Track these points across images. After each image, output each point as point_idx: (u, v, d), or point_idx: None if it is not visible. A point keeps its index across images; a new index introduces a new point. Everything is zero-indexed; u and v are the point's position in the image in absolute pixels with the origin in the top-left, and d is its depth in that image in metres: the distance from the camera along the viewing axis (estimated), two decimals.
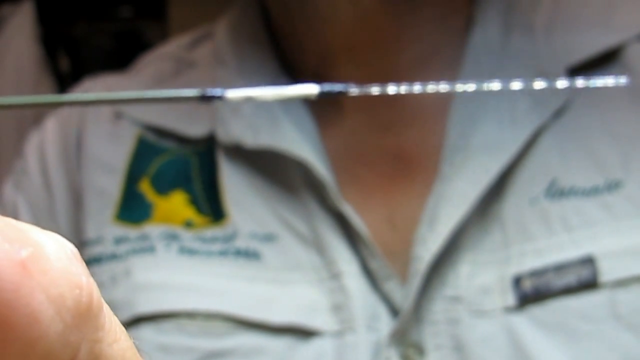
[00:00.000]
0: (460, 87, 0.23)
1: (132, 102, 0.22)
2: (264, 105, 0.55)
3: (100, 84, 0.61)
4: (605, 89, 0.53)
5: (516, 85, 0.24)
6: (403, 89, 0.23)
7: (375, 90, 0.23)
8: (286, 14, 0.56)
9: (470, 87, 0.23)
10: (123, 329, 0.22)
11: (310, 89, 0.22)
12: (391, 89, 0.23)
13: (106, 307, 0.21)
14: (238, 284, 0.52)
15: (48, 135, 0.60)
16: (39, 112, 1.98)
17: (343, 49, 0.54)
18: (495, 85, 0.24)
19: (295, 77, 0.57)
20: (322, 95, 0.22)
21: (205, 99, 0.22)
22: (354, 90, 0.23)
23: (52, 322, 0.18)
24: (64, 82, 2.10)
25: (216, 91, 0.22)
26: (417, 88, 0.23)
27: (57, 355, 0.19)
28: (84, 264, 0.21)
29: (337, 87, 0.22)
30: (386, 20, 0.53)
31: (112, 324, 0.21)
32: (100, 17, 2.26)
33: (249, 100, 0.22)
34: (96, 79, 0.62)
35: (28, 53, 2.03)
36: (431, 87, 0.23)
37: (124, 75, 0.62)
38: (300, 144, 0.53)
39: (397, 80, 0.54)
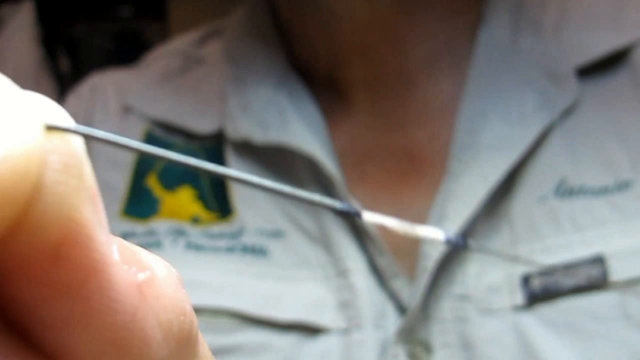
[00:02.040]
0: None
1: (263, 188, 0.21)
2: (273, 102, 0.55)
3: (108, 80, 0.61)
4: (614, 90, 0.53)
5: None
6: None
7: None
8: (296, 13, 0.56)
9: None
10: (211, 355, 0.22)
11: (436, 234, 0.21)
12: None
13: (200, 335, 0.21)
14: (245, 280, 0.52)
15: None
16: None
17: (354, 47, 0.54)
18: None
19: (304, 76, 0.56)
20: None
21: (342, 214, 0.21)
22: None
23: (159, 348, 0.18)
24: (64, 82, 2.09)
25: (349, 207, 0.21)
26: None
27: None
28: (184, 289, 0.21)
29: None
30: (398, 19, 0.53)
31: (205, 351, 0.21)
32: (100, 17, 2.26)
33: (385, 225, 0.22)
34: (103, 75, 0.62)
35: (28, 53, 2.03)
36: None
37: (132, 71, 0.62)
38: (310, 140, 0.53)
39: (407, 78, 0.54)
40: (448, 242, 0.21)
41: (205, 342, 0.21)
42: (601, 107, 0.52)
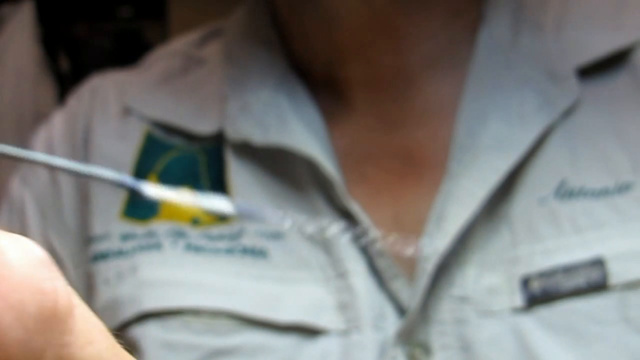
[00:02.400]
0: None
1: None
2: (272, 103, 0.55)
3: (108, 81, 0.61)
4: (614, 91, 0.53)
5: None
6: None
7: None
8: (295, 13, 0.56)
9: None
10: (103, 328, 0.22)
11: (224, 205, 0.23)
12: None
13: (81, 310, 0.21)
14: (244, 282, 0.52)
15: (56, 131, 0.60)
16: (39, 111, 1.98)
17: (353, 47, 0.54)
18: None
19: (304, 77, 0.56)
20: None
21: (121, 186, 0.22)
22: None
23: (11, 329, 0.19)
24: (64, 82, 2.10)
25: (133, 182, 0.22)
26: None
27: None
28: (52, 267, 0.21)
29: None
30: (397, 18, 0.53)
31: (86, 325, 0.21)
32: (100, 17, 2.26)
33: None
34: (104, 76, 0.62)
35: (28, 53, 2.03)
36: None
37: (132, 72, 0.62)
38: (309, 142, 0.53)
39: (406, 78, 0.54)
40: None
41: (92, 316, 0.21)
42: (602, 108, 0.52)
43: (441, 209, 0.51)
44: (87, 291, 0.56)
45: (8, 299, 0.19)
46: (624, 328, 0.47)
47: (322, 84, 0.56)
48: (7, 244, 0.19)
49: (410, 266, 0.51)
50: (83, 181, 0.58)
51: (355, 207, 0.52)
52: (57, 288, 0.20)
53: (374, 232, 0.51)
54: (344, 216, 0.52)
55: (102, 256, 0.55)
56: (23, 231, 0.59)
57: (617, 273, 0.48)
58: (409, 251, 0.51)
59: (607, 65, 0.53)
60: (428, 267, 0.49)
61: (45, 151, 0.60)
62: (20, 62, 2.03)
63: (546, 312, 0.48)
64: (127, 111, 0.59)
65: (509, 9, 0.55)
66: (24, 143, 0.62)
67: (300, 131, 0.53)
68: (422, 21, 0.54)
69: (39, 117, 1.93)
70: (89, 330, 0.21)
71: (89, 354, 0.21)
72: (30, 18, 2.07)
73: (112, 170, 0.58)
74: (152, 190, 0.22)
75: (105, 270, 0.54)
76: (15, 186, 0.61)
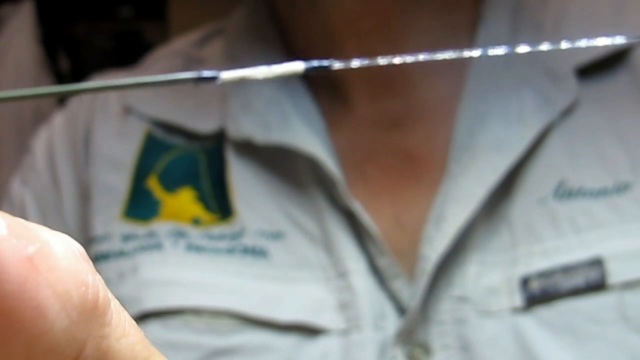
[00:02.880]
0: (451, 55, 0.24)
1: (130, 87, 0.23)
2: (274, 102, 0.55)
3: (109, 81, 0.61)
4: (613, 91, 0.53)
5: (523, 48, 0.24)
6: (397, 59, 0.24)
7: (355, 63, 0.24)
8: (292, 7, 0.56)
9: (476, 53, 0.24)
10: (134, 323, 0.23)
11: (297, 66, 0.23)
12: (382, 60, 0.24)
13: (115, 304, 0.22)
14: (245, 281, 0.52)
15: (56, 131, 0.60)
16: (39, 111, 1.98)
17: (350, 42, 0.54)
18: (500, 50, 0.24)
19: (304, 76, 0.56)
20: (309, 71, 0.23)
21: (201, 80, 0.22)
22: (338, 64, 0.24)
23: (57, 317, 0.19)
24: (64, 82, 2.10)
25: (211, 73, 0.23)
26: (409, 59, 0.24)
27: (62, 350, 0.20)
28: (90, 262, 0.21)
29: (322, 62, 0.24)
30: (394, 14, 0.53)
31: (120, 319, 0.22)
32: (100, 17, 2.26)
33: (243, 80, 0.23)
34: (104, 77, 0.62)
35: (28, 53, 2.03)
36: (424, 57, 0.24)
37: (132, 72, 0.62)
38: (311, 141, 0.53)
39: (405, 77, 0.54)
40: (312, 69, 0.22)
41: (124, 312, 0.22)
42: (601, 108, 0.53)
43: (440, 209, 0.51)
44: None
45: (56, 288, 0.19)
46: (623, 327, 0.48)
47: (322, 83, 0.56)
48: (52, 237, 0.20)
49: (410, 266, 0.51)
50: (84, 181, 0.58)
51: (357, 206, 0.52)
52: (97, 282, 0.21)
53: (376, 232, 0.51)
54: (346, 215, 0.53)
55: (103, 257, 0.55)
56: None
57: (616, 273, 0.48)
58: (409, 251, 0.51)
59: (606, 64, 0.53)
60: (427, 267, 0.50)
61: (46, 152, 0.60)
62: (20, 62, 2.03)
63: (545, 312, 0.49)
64: (127, 111, 0.59)
65: (507, 8, 0.55)
66: (24, 143, 0.63)
67: (302, 130, 0.54)
68: (419, 18, 0.54)
69: (39, 117, 1.93)
70: (124, 323, 0.22)
71: (124, 346, 0.21)
72: (30, 18, 2.07)
73: (112, 169, 0.58)
74: (228, 74, 0.23)
75: (107, 270, 0.54)
76: (16, 186, 0.61)
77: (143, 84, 0.23)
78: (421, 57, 0.24)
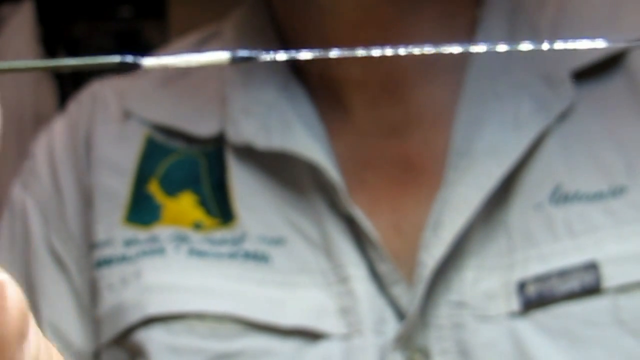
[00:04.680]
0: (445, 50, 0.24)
1: (55, 68, 0.23)
2: (274, 107, 0.55)
3: (109, 86, 0.61)
4: (609, 95, 0.53)
5: (525, 46, 0.25)
6: (361, 52, 0.24)
7: (281, 56, 0.24)
8: (292, 12, 0.56)
9: (457, 49, 0.24)
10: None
11: (222, 55, 0.24)
12: (333, 53, 0.24)
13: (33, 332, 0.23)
14: (247, 286, 0.53)
15: (57, 136, 0.61)
16: (39, 114, 1.98)
17: (346, 45, 0.54)
18: (502, 47, 0.24)
19: (303, 80, 0.57)
20: (234, 62, 0.24)
21: (123, 66, 0.23)
22: (264, 56, 0.24)
23: None
24: (64, 82, 2.10)
25: (133, 59, 0.23)
26: (389, 51, 0.24)
27: None
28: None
29: (250, 53, 0.24)
30: (389, 17, 0.53)
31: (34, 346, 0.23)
32: (100, 17, 2.26)
33: (165, 67, 0.23)
34: (104, 81, 0.62)
35: (28, 53, 2.03)
36: (403, 50, 0.24)
37: (133, 76, 0.62)
38: (312, 146, 0.53)
39: (402, 81, 0.55)
40: (237, 60, 0.23)
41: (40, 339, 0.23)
42: (597, 112, 0.53)
43: (438, 216, 0.51)
44: (92, 296, 0.56)
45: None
46: (618, 331, 0.48)
47: (321, 88, 0.56)
48: (6, 279, 0.21)
49: (409, 272, 0.51)
50: (86, 187, 0.58)
51: (357, 212, 0.52)
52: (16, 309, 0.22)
53: (376, 237, 0.52)
54: (346, 221, 0.53)
55: (106, 262, 0.55)
56: (26, 237, 0.59)
57: (611, 276, 0.49)
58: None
59: (603, 69, 0.54)
60: (425, 273, 0.50)
61: (47, 157, 0.60)
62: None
63: (542, 316, 0.49)
64: (127, 115, 0.59)
65: (504, 12, 0.56)
66: (24, 143, 0.63)
67: (303, 135, 0.54)
68: (415, 21, 0.54)
69: (39, 118, 1.94)
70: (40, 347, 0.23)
71: None
72: (30, 18, 2.07)
73: (113, 174, 0.58)
74: (150, 61, 0.23)
75: (109, 275, 0.55)
76: (17, 191, 0.61)
77: (68, 66, 0.23)
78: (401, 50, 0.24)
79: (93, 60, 0.23)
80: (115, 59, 0.23)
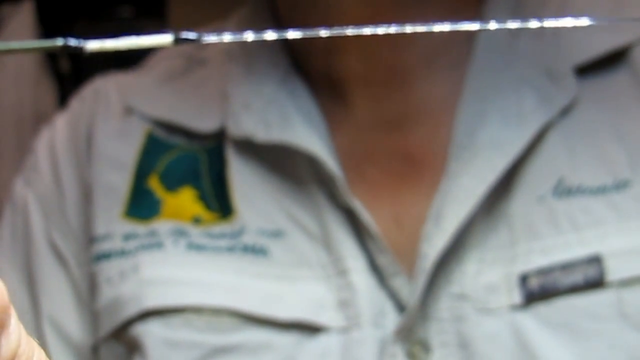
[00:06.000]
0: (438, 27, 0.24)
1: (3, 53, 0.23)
2: (274, 101, 0.55)
3: (111, 82, 0.62)
4: (613, 88, 0.53)
5: (534, 24, 0.24)
6: (351, 31, 0.24)
7: (228, 37, 0.24)
8: (294, 10, 0.56)
9: (474, 26, 0.24)
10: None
11: (165, 38, 0.23)
12: (293, 34, 0.24)
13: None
14: (245, 279, 0.52)
15: (58, 132, 0.61)
16: (39, 112, 1.98)
17: (350, 42, 0.54)
18: (511, 24, 0.24)
19: (304, 75, 0.57)
20: (176, 43, 0.23)
21: (65, 49, 0.23)
22: (207, 38, 0.24)
23: None
24: (64, 82, 2.10)
25: (76, 42, 0.23)
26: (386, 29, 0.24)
27: None
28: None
29: (190, 35, 0.24)
30: (393, 14, 0.53)
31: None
32: (100, 17, 2.26)
33: (106, 50, 0.23)
34: (106, 78, 0.62)
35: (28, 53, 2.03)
36: (410, 28, 0.24)
37: (135, 73, 0.63)
38: (312, 139, 0.53)
39: (405, 76, 0.55)
40: (179, 41, 0.23)
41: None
42: (600, 106, 0.53)
43: (440, 208, 0.51)
44: (91, 290, 0.56)
45: None
46: (621, 324, 0.48)
47: (322, 82, 0.56)
48: None
49: (410, 264, 0.51)
50: (86, 181, 0.58)
51: (357, 205, 0.52)
52: None
53: (376, 230, 0.52)
54: (346, 214, 0.53)
55: (105, 256, 0.55)
56: (27, 232, 0.59)
57: (614, 270, 0.49)
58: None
59: (606, 63, 0.53)
60: (427, 265, 0.50)
61: (48, 153, 0.60)
62: (20, 62, 2.03)
63: (544, 309, 0.49)
64: (128, 111, 0.59)
65: (507, 8, 0.56)
66: (24, 143, 0.63)
67: (303, 128, 0.54)
68: (419, 18, 0.54)
69: (39, 118, 1.94)
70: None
71: None
72: (30, 18, 2.07)
73: (114, 169, 0.59)
74: (94, 44, 0.23)
75: (108, 269, 0.55)
76: (19, 187, 0.61)
77: (12, 51, 0.23)
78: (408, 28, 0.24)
79: (38, 44, 0.23)
80: (59, 42, 0.23)
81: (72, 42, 0.23)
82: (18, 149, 1.83)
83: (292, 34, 0.24)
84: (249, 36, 0.24)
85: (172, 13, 2.17)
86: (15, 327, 0.23)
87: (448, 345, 0.49)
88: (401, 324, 0.50)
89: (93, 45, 0.23)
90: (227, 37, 0.24)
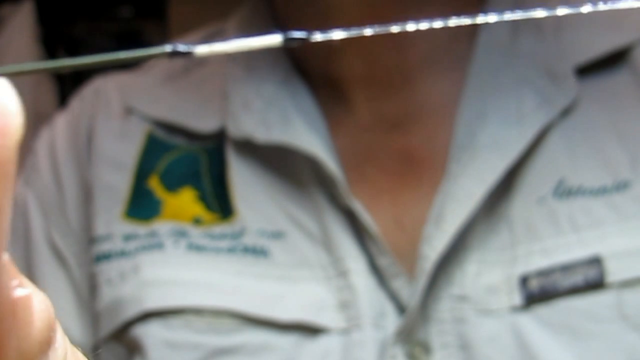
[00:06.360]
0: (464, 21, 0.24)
1: (101, 63, 0.23)
2: (275, 101, 0.55)
3: (111, 82, 0.62)
4: (614, 89, 0.53)
5: (541, 13, 0.24)
6: (395, 28, 0.24)
7: (338, 34, 0.24)
8: (294, 9, 0.56)
9: (492, 18, 0.24)
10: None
11: (274, 39, 0.23)
12: (368, 31, 0.24)
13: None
14: (246, 281, 0.52)
15: (59, 132, 0.61)
16: (39, 112, 1.98)
17: (351, 44, 0.54)
18: (517, 15, 0.24)
19: (305, 76, 0.57)
20: (286, 43, 0.23)
21: (174, 54, 0.23)
22: (317, 36, 0.24)
23: None
24: (64, 82, 2.10)
25: (185, 47, 0.23)
26: (410, 26, 0.24)
27: None
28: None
29: (299, 34, 0.23)
30: (393, 13, 0.53)
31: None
32: (100, 17, 2.26)
33: (216, 54, 0.23)
34: (107, 77, 0.62)
35: (28, 53, 2.03)
36: (423, 25, 0.24)
37: (135, 73, 0.63)
38: (312, 140, 0.53)
39: (405, 77, 0.54)
40: (289, 41, 0.22)
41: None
42: (601, 107, 0.53)
43: (440, 209, 0.51)
44: (91, 291, 0.56)
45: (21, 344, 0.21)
46: (621, 325, 0.48)
47: (322, 83, 0.56)
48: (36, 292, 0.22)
49: (410, 265, 0.51)
50: (86, 182, 0.58)
51: (357, 206, 0.52)
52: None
53: (376, 231, 0.52)
54: (346, 215, 0.53)
55: (105, 257, 0.55)
56: (26, 232, 0.59)
57: (615, 271, 0.49)
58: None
59: (607, 64, 0.53)
60: (427, 266, 0.50)
61: (48, 153, 0.60)
62: (20, 62, 2.02)
63: (544, 311, 0.49)
64: (129, 111, 0.59)
65: (507, 8, 0.56)
66: (23, 143, 0.63)
67: (303, 129, 0.54)
68: (418, 17, 0.54)
69: (39, 117, 1.93)
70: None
71: None
72: (30, 18, 2.07)
73: (114, 169, 0.58)
74: (202, 48, 0.23)
75: (108, 270, 0.54)
76: (19, 187, 0.61)
77: (119, 59, 0.23)
78: (422, 25, 0.23)
79: (144, 51, 0.23)
80: (167, 48, 0.23)
81: (181, 47, 0.23)
82: (18, 149, 1.83)
83: (338, 34, 0.24)
84: (367, 31, 0.24)
85: (172, 13, 2.17)
86: (62, 342, 0.23)
87: (448, 347, 0.49)
88: (401, 325, 0.50)
89: (202, 49, 0.23)
90: (337, 34, 0.24)
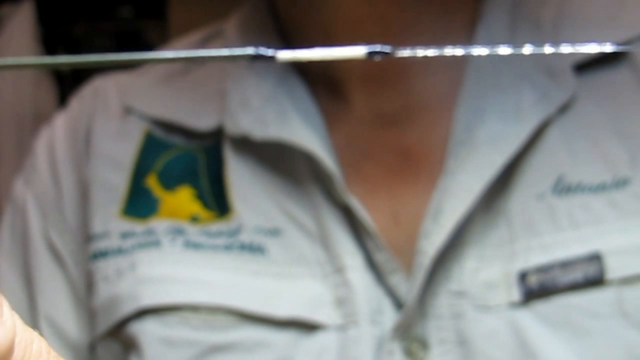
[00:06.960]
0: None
1: (181, 60, 0.23)
2: (272, 99, 0.55)
3: (110, 82, 0.62)
4: (613, 85, 0.53)
5: (527, 49, 0.25)
6: (457, 51, 0.24)
7: (422, 52, 0.24)
8: (294, 9, 0.56)
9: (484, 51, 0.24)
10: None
11: (358, 50, 0.23)
12: (448, 50, 0.24)
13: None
14: (242, 277, 0.52)
15: (57, 132, 0.61)
16: (39, 111, 1.98)
17: (348, 40, 0.54)
18: (505, 50, 0.24)
19: (303, 73, 0.57)
20: (370, 56, 0.23)
21: (257, 58, 0.23)
22: (402, 52, 0.24)
23: None
24: (64, 82, 2.10)
25: (269, 51, 0.23)
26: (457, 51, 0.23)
27: None
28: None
29: (385, 48, 0.24)
30: (391, 12, 0.53)
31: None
32: (100, 17, 2.27)
33: (299, 60, 0.23)
34: (106, 77, 0.62)
35: (28, 53, 2.03)
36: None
37: (135, 73, 0.63)
38: (309, 137, 0.53)
39: (403, 74, 0.54)
40: (374, 54, 0.23)
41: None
42: (599, 103, 0.53)
43: (438, 204, 0.51)
44: (88, 289, 0.56)
45: None
46: (621, 322, 0.48)
47: (320, 80, 0.56)
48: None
49: (408, 261, 0.51)
50: (84, 180, 0.58)
51: (354, 202, 0.52)
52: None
53: (373, 227, 0.51)
54: (343, 211, 0.53)
55: (102, 254, 0.55)
56: (25, 232, 0.59)
57: (614, 268, 0.48)
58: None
59: (606, 60, 0.53)
60: (425, 261, 0.50)
61: (47, 152, 0.61)
62: None
63: (543, 307, 0.49)
64: (127, 110, 0.59)
65: (506, 7, 0.55)
66: (23, 142, 0.63)
67: (300, 126, 0.54)
68: (418, 17, 0.54)
69: (39, 118, 1.94)
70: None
71: None
72: (30, 18, 2.08)
73: (112, 168, 0.59)
74: (285, 54, 0.23)
75: (105, 268, 0.55)
76: (19, 187, 0.61)
77: (197, 58, 0.23)
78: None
79: (228, 52, 0.23)
80: (250, 51, 0.23)
81: (264, 51, 0.23)
82: (18, 149, 1.83)
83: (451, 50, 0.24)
84: (447, 51, 0.24)
85: (172, 13, 2.17)
86: (9, 316, 0.22)
87: (446, 343, 0.49)
88: (399, 321, 0.50)
89: (285, 55, 0.23)
90: (420, 52, 0.24)
